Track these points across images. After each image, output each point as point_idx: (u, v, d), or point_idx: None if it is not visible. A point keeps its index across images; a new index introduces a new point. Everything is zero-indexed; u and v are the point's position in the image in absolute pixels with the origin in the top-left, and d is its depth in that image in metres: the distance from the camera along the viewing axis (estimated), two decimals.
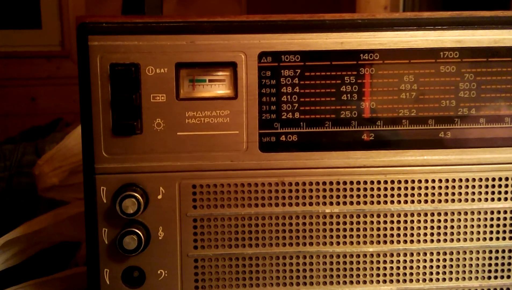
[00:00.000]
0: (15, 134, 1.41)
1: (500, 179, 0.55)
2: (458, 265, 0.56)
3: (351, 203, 0.55)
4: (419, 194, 0.55)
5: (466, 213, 0.55)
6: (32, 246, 0.76)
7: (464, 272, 0.56)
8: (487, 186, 0.55)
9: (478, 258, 0.56)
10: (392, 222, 0.55)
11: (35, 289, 0.69)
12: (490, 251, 0.56)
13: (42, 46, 2.56)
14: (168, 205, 0.54)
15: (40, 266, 0.75)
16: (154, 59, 0.51)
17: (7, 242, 0.72)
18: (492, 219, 0.55)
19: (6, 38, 2.50)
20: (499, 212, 0.55)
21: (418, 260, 0.56)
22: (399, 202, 0.55)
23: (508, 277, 0.56)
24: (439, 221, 0.55)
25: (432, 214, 0.55)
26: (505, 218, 0.55)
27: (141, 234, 0.52)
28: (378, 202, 0.55)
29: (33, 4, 2.54)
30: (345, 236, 0.55)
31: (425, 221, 0.55)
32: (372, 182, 0.54)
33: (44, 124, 1.52)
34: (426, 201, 0.55)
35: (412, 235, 0.55)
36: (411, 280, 0.56)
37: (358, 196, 0.54)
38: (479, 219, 0.55)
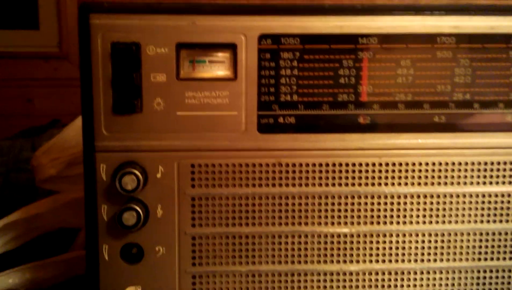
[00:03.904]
0: (11, 135, 1.37)
1: (492, 163, 0.54)
2: (449, 247, 0.55)
3: (346, 184, 0.53)
4: (413, 177, 0.53)
5: (458, 196, 0.54)
6: (30, 230, 0.74)
7: (455, 253, 0.55)
8: (479, 170, 0.54)
9: (469, 240, 0.55)
10: (385, 203, 0.54)
11: (34, 272, 0.68)
12: (481, 233, 0.55)
13: (39, 47, 2.47)
14: (167, 184, 0.52)
15: (38, 252, 0.73)
16: (155, 38, 0.49)
17: (5, 225, 0.71)
18: (483, 202, 0.54)
19: (3, 38, 2.42)
20: (490, 196, 0.54)
21: (410, 241, 0.55)
22: (393, 184, 0.53)
23: (498, 259, 0.55)
24: (432, 203, 0.54)
25: (425, 196, 0.54)
26: (496, 202, 0.54)
27: (140, 211, 0.51)
28: (373, 184, 0.53)
29: (31, 5, 2.47)
30: (339, 217, 0.54)
31: (418, 203, 0.54)
32: (367, 164, 0.53)
33: (40, 125, 1.48)
34: (419, 184, 0.54)
35: (405, 216, 0.54)
36: (403, 260, 0.55)
37: (353, 177, 0.53)
38: (470, 202, 0.54)
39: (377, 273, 0.55)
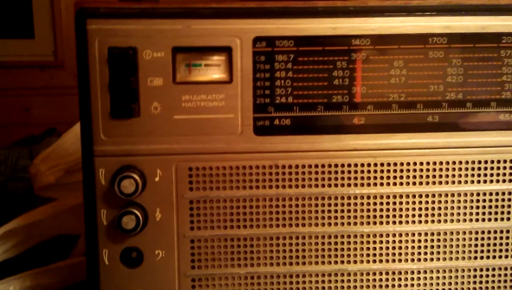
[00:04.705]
0: (9, 144, 1.36)
1: (486, 162, 0.54)
2: (445, 246, 0.55)
3: (342, 185, 0.53)
4: (408, 177, 0.53)
5: (453, 195, 0.54)
6: (30, 238, 0.74)
7: (451, 252, 0.55)
8: (473, 169, 0.54)
9: (465, 239, 0.55)
10: (381, 203, 0.54)
11: (35, 279, 0.68)
12: (477, 232, 0.55)
13: (35, 56, 2.47)
14: (165, 187, 0.52)
15: (38, 259, 0.72)
16: (151, 43, 0.49)
17: (5, 233, 0.70)
18: (478, 200, 0.54)
19: None
20: (485, 194, 0.54)
21: (407, 241, 0.54)
22: (388, 184, 0.53)
23: (494, 257, 0.55)
24: (427, 202, 0.54)
25: (420, 196, 0.54)
26: (490, 200, 0.54)
27: (139, 215, 0.51)
28: (368, 184, 0.53)
29: (25, 14, 2.47)
30: (336, 217, 0.54)
31: (414, 202, 0.54)
32: (362, 165, 0.53)
33: (37, 134, 1.48)
34: (414, 183, 0.53)
35: (401, 216, 0.54)
36: (400, 260, 0.55)
37: (349, 178, 0.53)
38: (465, 201, 0.54)
39: (374, 273, 0.55)
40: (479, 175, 0.54)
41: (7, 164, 1.09)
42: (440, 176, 0.53)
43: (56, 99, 2.42)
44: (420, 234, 0.54)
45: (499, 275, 0.55)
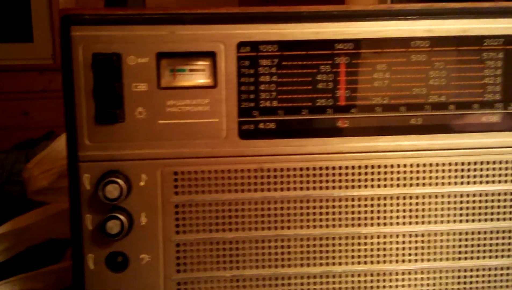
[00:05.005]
0: (8, 147, 1.37)
1: (469, 163, 0.54)
2: (429, 247, 0.55)
3: (327, 188, 0.53)
4: (392, 179, 0.54)
5: (436, 197, 0.54)
6: (21, 242, 0.74)
7: (435, 253, 0.55)
8: (456, 170, 0.54)
9: (448, 240, 0.55)
10: (366, 205, 0.54)
11: (24, 284, 0.67)
12: (460, 233, 0.55)
13: (34, 59, 2.48)
14: (150, 192, 0.52)
15: (29, 263, 0.72)
16: (135, 49, 0.50)
17: None
18: (461, 202, 0.55)
19: None
20: (468, 195, 0.55)
21: (391, 242, 0.55)
22: (372, 186, 0.54)
23: (478, 258, 0.56)
24: (411, 204, 0.55)
25: (404, 198, 0.54)
26: (474, 201, 0.55)
27: (124, 219, 0.51)
28: (353, 187, 0.54)
29: (24, 18, 2.47)
30: (321, 220, 0.54)
31: (397, 204, 0.54)
32: (347, 168, 0.53)
33: (36, 137, 1.48)
34: (398, 185, 0.54)
35: (385, 218, 0.55)
36: (384, 261, 0.55)
37: (334, 181, 0.53)
38: (449, 202, 0.55)
39: (359, 275, 0.55)
40: (462, 176, 0.54)
41: (3, 168, 1.10)
42: (424, 178, 0.54)
43: (55, 102, 2.42)
44: (404, 236, 0.55)
45: (483, 275, 0.56)
